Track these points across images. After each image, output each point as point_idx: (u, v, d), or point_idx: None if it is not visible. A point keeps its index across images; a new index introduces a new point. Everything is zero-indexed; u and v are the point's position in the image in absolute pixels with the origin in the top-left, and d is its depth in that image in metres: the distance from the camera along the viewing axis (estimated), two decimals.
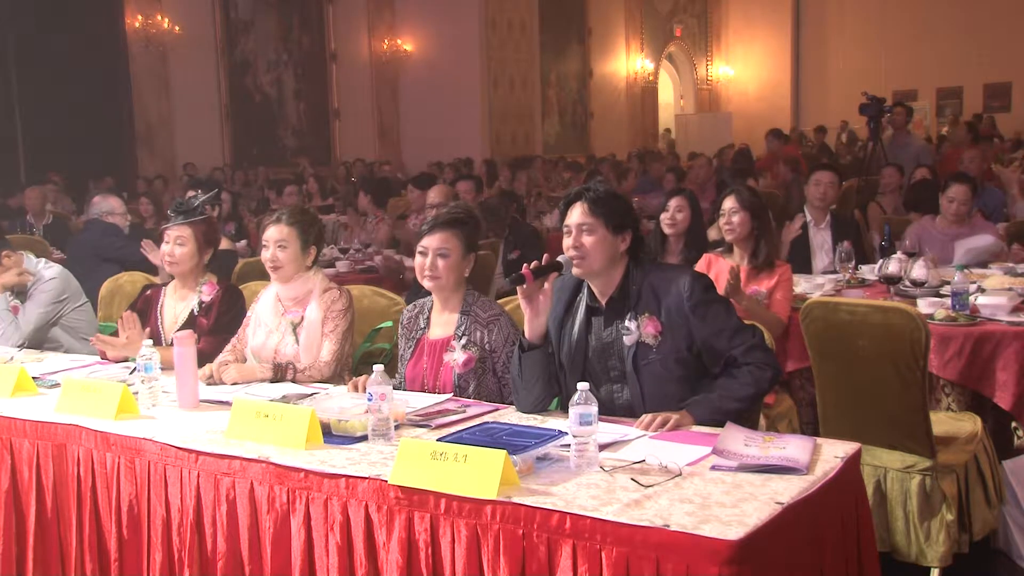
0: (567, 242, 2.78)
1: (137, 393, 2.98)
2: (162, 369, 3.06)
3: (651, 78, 21.37)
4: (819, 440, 2.38)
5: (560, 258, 2.76)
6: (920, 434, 3.15)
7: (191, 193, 4.02)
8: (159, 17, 13.94)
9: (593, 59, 19.74)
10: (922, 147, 9.94)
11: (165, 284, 3.91)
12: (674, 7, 22.02)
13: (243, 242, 7.01)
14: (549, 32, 18.32)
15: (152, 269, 5.15)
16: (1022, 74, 19.59)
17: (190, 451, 2.59)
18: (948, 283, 4.08)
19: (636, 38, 20.81)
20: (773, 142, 12.20)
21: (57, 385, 3.20)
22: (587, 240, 2.75)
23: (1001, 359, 3.58)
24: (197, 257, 3.72)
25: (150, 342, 3.09)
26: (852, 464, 2.29)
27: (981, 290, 4.09)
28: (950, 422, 3.49)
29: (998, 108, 19.90)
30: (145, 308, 3.84)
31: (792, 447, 2.29)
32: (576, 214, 2.78)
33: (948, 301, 3.91)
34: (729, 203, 4.23)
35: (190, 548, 2.56)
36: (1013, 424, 3.74)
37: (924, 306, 3.87)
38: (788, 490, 2.07)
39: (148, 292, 3.92)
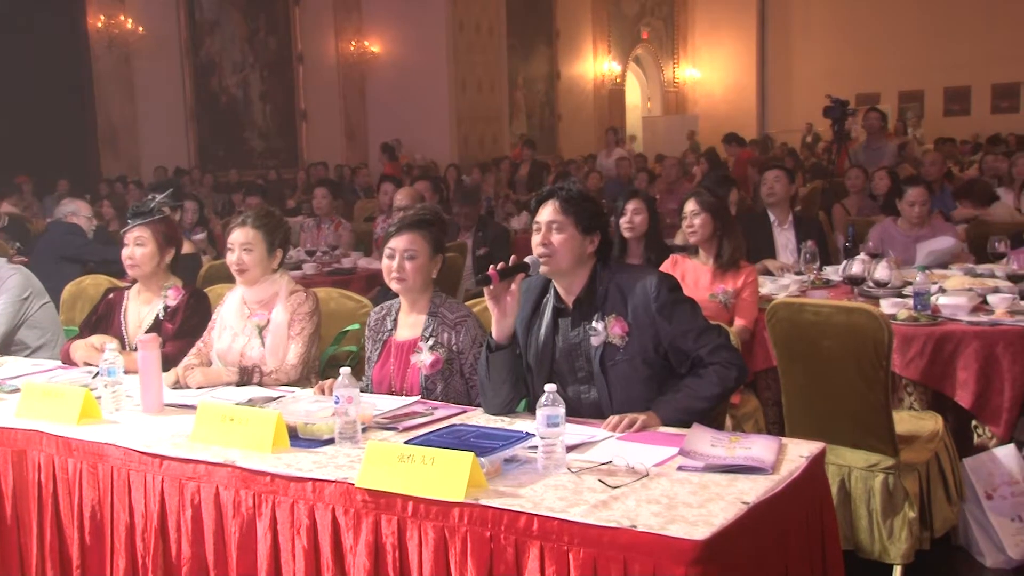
0: (536, 239, 2.79)
1: (100, 398, 2.94)
2: (126, 373, 3.03)
3: (618, 80, 21.47)
4: (784, 440, 2.40)
5: (527, 259, 2.76)
6: (883, 433, 3.19)
7: (150, 196, 3.97)
8: (122, 18, 13.76)
9: (560, 61, 19.79)
10: (894, 151, 10.06)
11: (128, 287, 3.86)
12: (641, 10, 22.15)
13: (203, 235, 6.92)
14: (516, 34, 18.35)
15: (115, 272, 5.09)
16: (981, 79, 19.96)
17: (154, 456, 2.56)
18: (910, 284, 4.14)
19: (603, 41, 20.90)
20: (731, 147, 12.36)
21: (17, 390, 3.15)
22: (556, 238, 2.76)
23: (962, 358, 3.64)
24: (158, 257, 3.69)
25: (113, 345, 3.06)
26: (816, 463, 2.32)
27: (942, 291, 4.15)
28: (912, 421, 3.54)
29: (958, 112, 20.30)
30: (107, 312, 3.80)
31: (757, 447, 2.30)
32: (547, 212, 2.79)
33: (910, 301, 3.96)
34: (690, 206, 4.29)
35: (154, 554, 2.53)
36: (973, 422, 3.79)
37: (887, 306, 3.92)
38: (754, 490, 2.08)
39: (111, 296, 3.87)
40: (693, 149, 15.37)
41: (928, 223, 5.37)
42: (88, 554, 2.68)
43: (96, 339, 3.57)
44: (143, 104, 14.17)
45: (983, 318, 3.76)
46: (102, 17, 13.63)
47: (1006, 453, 3.50)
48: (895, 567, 3.17)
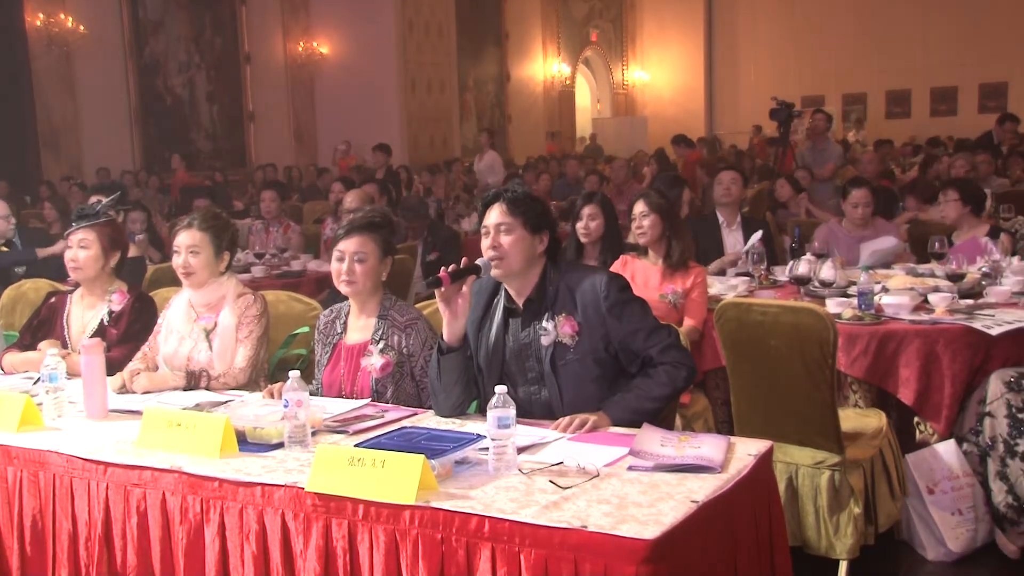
0: (485, 243, 2.79)
1: (41, 404, 2.87)
2: (69, 375, 2.97)
3: (568, 82, 21.57)
4: (733, 439, 2.42)
5: (478, 261, 2.76)
6: (829, 431, 3.24)
7: (94, 198, 3.90)
8: (62, 16, 13.46)
9: (510, 63, 19.83)
10: (840, 152, 10.23)
11: (71, 291, 3.78)
12: (590, 12, 22.28)
13: (142, 235, 6.82)
14: (466, 35, 18.34)
15: (50, 275, 4.97)
16: (921, 81, 20.44)
17: (98, 462, 2.52)
18: (854, 283, 4.21)
19: (552, 42, 20.98)
20: (680, 148, 12.47)
21: None
22: (505, 240, 2.76)
23: (904, 356, 3.71)
24: (102, 261, 3.62)
25: (55, 351, 3.00)
26: (764, 462, 2.35)
27: (885, 290, 4.23)
28: (857, 418, 3.60)
29: (899, 114, 20.76)
30: (49, 316, 3.71)
31: (707, 446, 2.33)
32: (494, 215, 2.79)
33: (855, 301, 4.03)
34: (639, 207, 4.32)
35: (98, 563, 2.48)
36: (915, 419, 3.88)
37: (832, 306, 3.99)
38: (703, 488, 2.10)
39: (52, 300, 3.79)
40: (591, 153, 15.49)
41: (871, 224, 5.47)
42: (28, 564, 2.62)
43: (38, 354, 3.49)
44: (85, 104, 13.88)
45: (924, 317, 3.84)
46: (41, 15, 13.32)
47: (946, 449, 3.58)
48: (841, 562, 3.22)
